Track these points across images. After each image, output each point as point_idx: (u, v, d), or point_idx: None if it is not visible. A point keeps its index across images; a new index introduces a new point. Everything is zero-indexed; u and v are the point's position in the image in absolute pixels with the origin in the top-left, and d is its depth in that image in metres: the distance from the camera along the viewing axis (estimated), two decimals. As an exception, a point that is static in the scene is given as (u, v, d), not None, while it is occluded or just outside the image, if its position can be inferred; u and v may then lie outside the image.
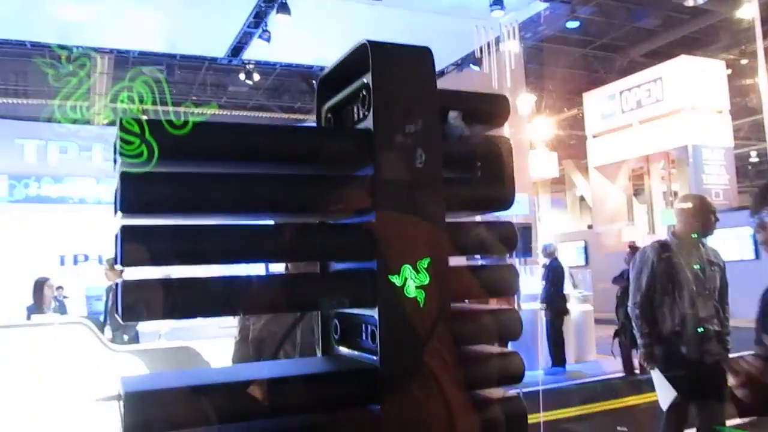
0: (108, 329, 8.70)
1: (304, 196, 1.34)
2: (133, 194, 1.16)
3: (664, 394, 4.07)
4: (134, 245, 1.17)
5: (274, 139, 1.34)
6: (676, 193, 18.59)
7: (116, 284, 1.30)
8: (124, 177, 1.17)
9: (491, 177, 1.48)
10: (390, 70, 1.36)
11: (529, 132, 17.79)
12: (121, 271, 8.71)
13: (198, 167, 1.26)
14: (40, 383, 5.25)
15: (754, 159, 25.91)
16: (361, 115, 1.43)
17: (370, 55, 1.34)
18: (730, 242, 13.71)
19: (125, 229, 1.18)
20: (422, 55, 1.39)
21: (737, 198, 18.52)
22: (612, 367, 10.11)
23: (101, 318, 9.22)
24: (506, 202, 1.49)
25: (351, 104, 1.50)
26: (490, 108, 1.54)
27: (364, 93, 1.40)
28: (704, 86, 17.37)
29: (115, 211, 1.28)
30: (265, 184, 1.30)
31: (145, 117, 1.23)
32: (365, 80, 1.38)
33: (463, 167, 1.48)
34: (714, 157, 17.61)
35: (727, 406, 4.04)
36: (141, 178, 1.17)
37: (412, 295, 1.30)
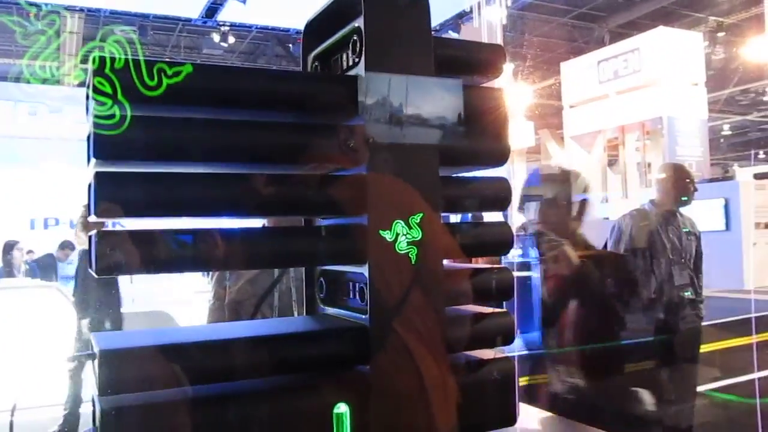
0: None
1: (290, 145, 1.26)
2: (108, 140, 1.08)
3: (639, 360, 4.10)
4: (109, 193, 1.09)
5: (256, 83, 1.25)
6: (649, 165, 18.71)
7: (90, 237, 1.22)
8: (98, 122, 1.09)
9: (486, 130, 1.41)
10: (383, 15, 1.28)
11: (507, 100, 17.68)
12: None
13: (177, 113, 1.18)
14: (11, 345, 5.17)
15: (726, 132, 26.19)
16: (351, 63, 1.36)
17: (363, -2, 1.26)
18: (701, 213, 13.87)
19: (100, 176, 1.10)
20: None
21: (709, 170, 18.74)
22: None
23: (73, 282, 9.08)
24: (502, 157, 1.43)
25: (340, 51, 1.42)
26: (485, 57, 1.46)
27: (355, 38, 1.32)
28: (681, 58, 17.41)
29: (89, 159, 1.20)
30: (247, 131, 1.22)
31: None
32: (356, 24, 1.30)
33: (457, 119, 1.41)
34: (688, 128, 17.73)
35: (700, 369, 4.12)
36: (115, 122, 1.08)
37: (403, 252, 1.25)
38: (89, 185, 1.18)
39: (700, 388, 5.44)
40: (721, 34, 18.62)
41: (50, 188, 13.60)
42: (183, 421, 1.10)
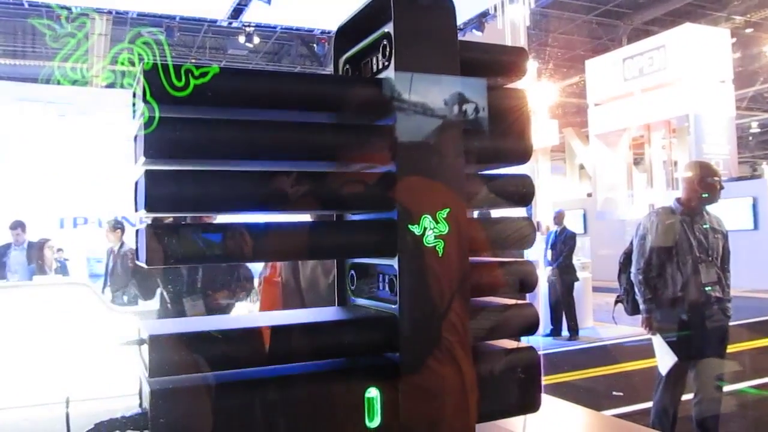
0: (108, 290, 8.73)
1: (324, 144, 1.34)
2: (158, 139, 1.16)
3: (664, 359, 4.11)
4: (159, 189, 1.17)
5: (291, 86, 1.33)
6: (676, 163, 18.56)
7: (136, 231, 1.30)
8: (149, 122, 1.17)
9: (509, 129, 1.48)
10: (412, 20, 1.35)
11: (530, 99, 17.64)
12: (122, 233, 8.72)
13: (219, 114, 1.26)
14: (42, 341, 5.31)
15: (755, 129, 25.85)
16: (381, 66, 1.43)
17: (392, 4, 1.33)
18: (729, 212, 13.74)
19: (149, 174, 1.18)
20: (443, 4, 1.38)
21: (737, 168, 18.54)
22: (609, 333, 10.23)
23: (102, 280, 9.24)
24: (525, 155, 1.49)
25: (370, 55, 1.49)
26: (509, 60, 1.53)
27: (385, 43, 1.39)
28: (707, 55, 17.24)
29: (136, 158, 1.28)
30: (285, 131, 1.29)
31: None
32: (386, 30, 1.37)
33: (482, 119, 1.47)
34: (715, 126, 17.56)
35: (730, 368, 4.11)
36: (166, 123, 1.16)
37: (431, 245, 1.31)
38: (137, 182, 1.26)
39: (731, 387, 5.44)
40: (748, 31, 18.41)
41: (79, 188, 13.83)
42: (227, 401, 1.18)
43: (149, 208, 1.17)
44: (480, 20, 14.22)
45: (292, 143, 1.29)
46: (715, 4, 17.51)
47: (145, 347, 1.19)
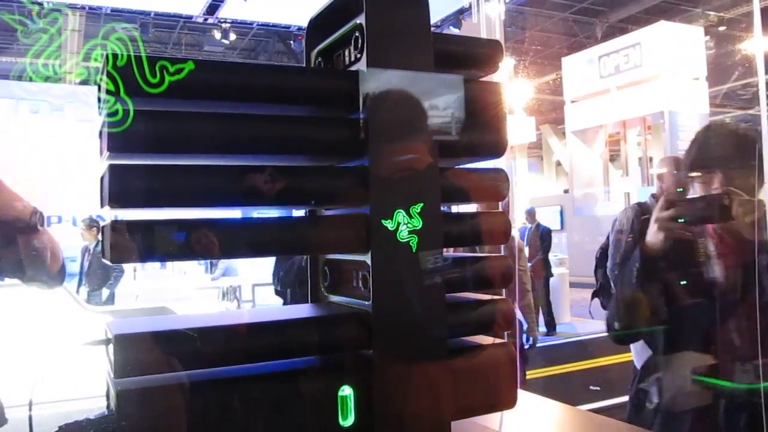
0: (83, 290, 8.64)
1: (295, 138, 1.31)
2: (123, 133, 1.12)
3: (639, 352, 4.14)
4: (123, 184, 1.14)
5: (257, 77, 1.30)
6: (651, 159, 18.77)
7: (102, 228, 1.27)
8: (112, 115, 1.13)
9: (484, 122, 1.46)
10: (384, 11, 1.33)
11: (507, 95, 17.68)
12: (98, 232, 8.62)
13: (186, 107, 1.23)
14: (14, 342, 5.23)
15: (728, 126, 26.20)
16: (353, 58, 1.40)
17: (364, -5, 1.30)
18: (704, 207, 13.86)
19: (114, 168, 1.14)
20: (416, -4, 1.36)
21: (711, 164, 18.74)
22: (586, 328, 10.32)
23: (77, 279, 9.14)
24: (500, 148, 1.47)
25: (343, 47, 1.46)
26: (483, 52, 1.51)
27: (357, 34, 1.36)
28: (682, 53, 17.44)
29: (101, 153, 1.24)
30: (254, 124, 1.26)
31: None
32: (358, 21, 1.35)
33: (456, 113, 1.45)
34: (689, 123, 17.76)
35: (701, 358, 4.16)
36: (132, 117, 1.13)
37: (404, 240, 1.29)
38: (101, 177, 1.23)
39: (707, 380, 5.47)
40: (722, 29, 18.64)
41: (53, 186, 13.64)
42: (195, 401, 1.15)
43: (113, 203, 1.14)
44: (457, 17, 14.25)
45: (259, 137, 1.26)
46: (690, 2, 17.70)
47: (111, 347, 1.15)
